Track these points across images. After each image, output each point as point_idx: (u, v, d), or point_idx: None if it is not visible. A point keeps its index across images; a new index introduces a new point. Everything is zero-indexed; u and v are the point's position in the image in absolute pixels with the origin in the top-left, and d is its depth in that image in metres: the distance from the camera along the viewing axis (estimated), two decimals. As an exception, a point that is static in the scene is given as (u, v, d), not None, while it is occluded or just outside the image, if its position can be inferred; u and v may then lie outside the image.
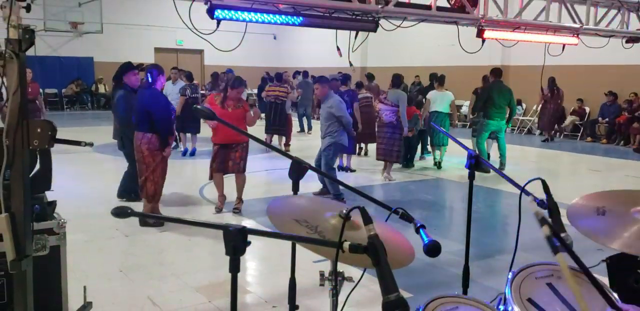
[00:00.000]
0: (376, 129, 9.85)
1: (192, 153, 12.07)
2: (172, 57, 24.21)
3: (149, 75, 6.61)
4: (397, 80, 9.76)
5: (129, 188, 7.68)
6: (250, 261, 5.60)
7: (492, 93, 10.49)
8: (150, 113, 6.40)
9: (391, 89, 9.69)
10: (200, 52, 25.21)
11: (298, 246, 2.45)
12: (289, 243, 2.58)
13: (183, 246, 6.01)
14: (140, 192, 6.74)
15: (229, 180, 7.43)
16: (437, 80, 11.42)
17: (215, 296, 4.61)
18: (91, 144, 3.56)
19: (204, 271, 5.21)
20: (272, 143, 12.93)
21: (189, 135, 12.17)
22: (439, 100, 11.04)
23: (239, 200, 7.36)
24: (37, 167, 3.64)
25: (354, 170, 10.47)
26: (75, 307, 3.87)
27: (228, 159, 7.04)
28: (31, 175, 3.33)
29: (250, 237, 1.66)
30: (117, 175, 9.02)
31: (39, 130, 3.08)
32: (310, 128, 16.55)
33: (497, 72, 10.88)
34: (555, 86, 15.88)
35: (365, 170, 10.72)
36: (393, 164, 9.97)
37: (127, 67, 7.44)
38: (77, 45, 22.59)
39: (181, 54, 24.98)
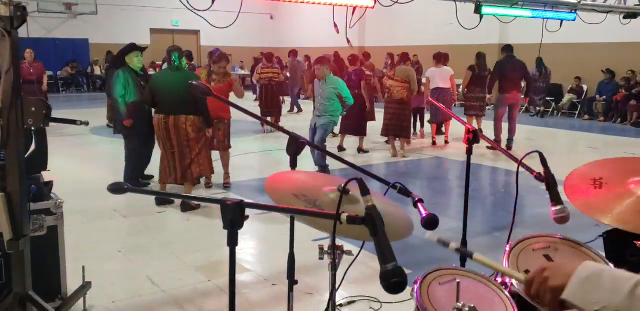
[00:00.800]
0: (385, 105, 9.90)
1: None
2: (168, 38, 24.02)
3: (173, 57, 6.44)
4: (405, 57, 10.02)
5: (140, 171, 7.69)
6: (249, 240, 5.61)
7: (505, 68, 10.60)
8: (195, 95, 6.12)
9: (400, 66, 9.84)
10: (196, 32, 25.02)
11: (297, 225, 2.45)
12: (287, 223, 2.58)
13: (182, 227, 6.02)
14: (182, 175, 6.42)
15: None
16: (435, 57, 11.40)
17: (215, 275, 4.63)
18: (87, 123, 3.55)
19: (203, 251, 5.22)
20: (266, 126, 12.89)
21: None
22: (439, 77, 11.08)
23: (227, 175, 7.52)
24: (33, 147, 3.63)
25: (367, 151, 10.42)
26: (74, 287, 3.88)
27: (212, 137, 7.02)
28: (27, 155, 3.33)
29: (250, 218, 1.65)
30: (115, 156, 9.02)
31: (33, 109, 3.06)
32: (300, 109, 16.50)
33: (507, 48, 11.02)
34: (543, 65, 16.05)
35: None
36: (407, 140, 10.10)
37: (131, 48, 7.26)
38: (71, 26, 22.37)
39: (177, 35, 24.79)
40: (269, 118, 12.75)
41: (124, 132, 7.34)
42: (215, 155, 7.30)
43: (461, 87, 12.26)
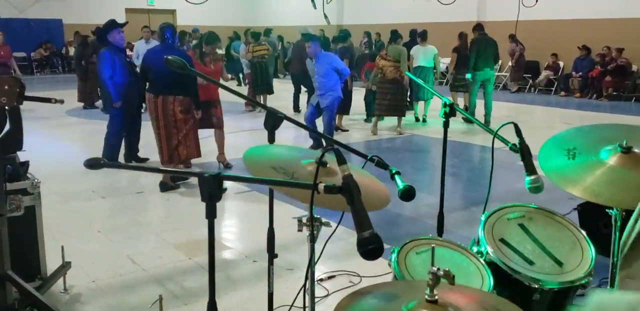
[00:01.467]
0: (378, 85, 9.97)
1: None
2: (143, 17, 23.66)
3: (167, 34, 6.27)
4: (395, 36, 10.07)
5: (132, 150, 7.60)
6: (229, 219, 5.62)
7: (479, 47, 10.89)
8: (184, 75, 5.86)
9: (391, 45, 9.92)
10: (172, 12, 24.71)
11: (278, 203, 2.46)
12: (267, 201, 2.59)
13: (161, 206, 6.02)
14: (168, 157, 6.27)
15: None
16: (420, 35, 11.58)
17: (195, 253, 4.64)
18: (62, 101, 3.51)
19: (183, 229, 5.22)
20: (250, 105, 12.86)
21: None
22: (422, 55, 11.23)
23: (223, 153, 7.49)
24: (7, 127, 3.58)
25: (347, 130, 10.47)
26: (54, 267, 3.87)
27: (210, 115, 7.04)
28: (1, 135, 3.29)
29: (228, 197, 1.66)
30: (90, 137, 8.94)
31: (6, 87, 3.02)
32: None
33: (479, 27, 11.36)
34: (517, 42, 16.47)
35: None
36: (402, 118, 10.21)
37: (112, 25, 7.08)
38: (44, 6, 21.91)
39: (153, 15, 24.44)
40: (261, 97, 12.73)
41: (113, 111, 7.26)
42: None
43: (447, 66, 12.42)
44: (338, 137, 9.81)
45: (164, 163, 6.33)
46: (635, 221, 1.57)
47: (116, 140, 7.37)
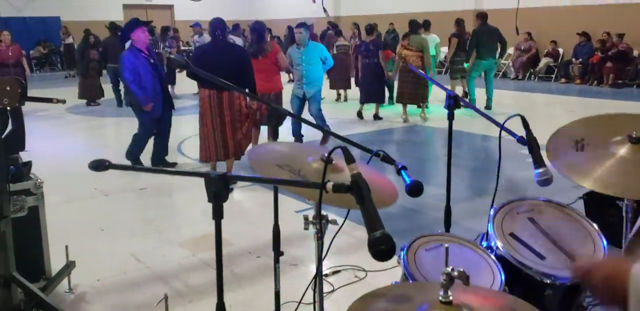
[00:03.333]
0: (399, 74, 10.33)
1: None
2: (141, 13, 23.55)
3: (217, 30, 6.22)
4: (414, 26, 10.36)
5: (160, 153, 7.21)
6: (232, 214, 5.59)
7: (481, 36, 11.18)
8: (245, 70, 6.15)
9: (411, 35, 10.20)
10: (170, 7, 24.61)
11: (281, 197, 2.44)
12: (271, 196, 2.56)
13: (164, 203, 5.99)
14: (234, 149, 6.29)
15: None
16: (423, 25, 11.73)
17: (199, 249, 4.62)
18: (63, 101, 3.48)
19: (187, 226, 5.20)
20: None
21: None
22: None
23: None
24: (10, 127, 3.55)
25: (381, 118, 10.66)
26: (58, 267, 3.86)
27: (256, 110, 6.94)
28: (4, 135, 3.26)
29: (230, 192, 1.64)
30: (92, 135, 8.92)
31: (8, 88, 2.99)
32: None
33: (482, 15, 11.61)
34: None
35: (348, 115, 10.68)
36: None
37: (136, 23, 6.72)
38: (42, 4, 21.80)
39: (150, 10, 24.34)
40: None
41: (142, 115, 6.88)
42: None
43: (445, 55, 12.70)
44: (374, 126, 9.84)
45: (229, 157, 6.32)
46: None
47: (145, 140, 7.07)
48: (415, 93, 10.17)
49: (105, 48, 12.72)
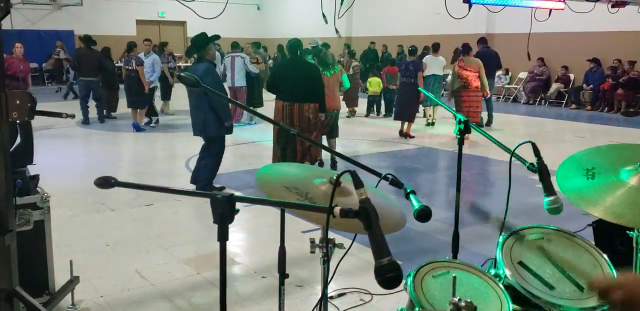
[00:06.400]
0: (462, 94, 10.87)
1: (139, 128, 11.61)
2: (154, 29, 23.79)
3: (297, 49, 7.02)
4: (466, 48, 11.13)
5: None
6: (238, 233, 5.58)
7: (481, 58, 11.55)
8: (316, 85, 6.90)
9: (466, 57, 10.97)
10: (183, 23, 24.80)
11: (287, 216, 2.43)
12: (277, 215, 2.55)
13: (170, 219, 5.97)
14: (301, 156, 6.96)
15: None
16: (432, 47, 12.64)
17: (204, 268, 4.59)
18: (73, 116, 3.48)
19: (192, 243, 5.18)
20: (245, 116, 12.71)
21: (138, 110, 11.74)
22: (434, 65, 12.21)
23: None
24: (18, 140, 3.57)
25: (413, 137, 11.03)
26: (62, 282, 3.84)
27: (335, 125, 8.22)
28: (12, 149, 3.27)
29: (238, 209, 1.62)
30: (101, 149, 8.94)
31: (18, 101, 2.98)
32: None
33: (482, 40, 12.61)
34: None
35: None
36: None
37: (210, 38, 6.60)
38: (56, 18, 22.05)
39: (163, 26, 24.55)
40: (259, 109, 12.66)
41: (220, 131, 6.61)
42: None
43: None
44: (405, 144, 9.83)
45: (295, 160, 6.86)
46: None
47: (217, 161, 6.79)
48: (476, 112, 10.89)
49: (79, 60, 12.27)
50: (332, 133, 8.26)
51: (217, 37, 6.68)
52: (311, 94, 6.85)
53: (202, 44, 6.52)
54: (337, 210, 1.49)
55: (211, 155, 6.73)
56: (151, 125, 12.07)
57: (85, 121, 12.12)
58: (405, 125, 10.99)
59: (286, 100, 6.85)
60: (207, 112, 6.38)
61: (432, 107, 12.36)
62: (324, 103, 7.04)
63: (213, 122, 6.45)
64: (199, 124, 6.55)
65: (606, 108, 15.23)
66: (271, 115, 7.87)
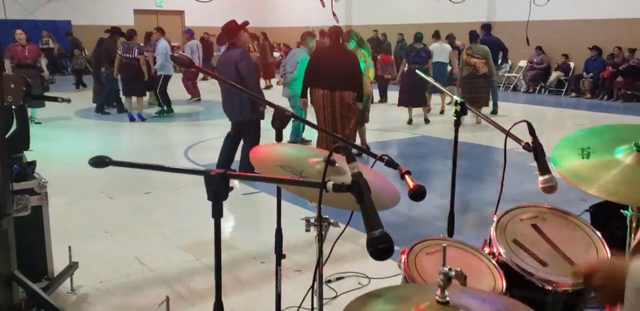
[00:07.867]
0: (471, 80, 11.09)
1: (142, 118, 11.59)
2: (152, 18, 23.69)
3: (338, 35, 6.98)
4: (474, 36, 11.26)
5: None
6: (236, 220, 5.59)
7: (485, 45, 11.52)
8: (355, 73, 6.86)
9: (472, 44, 11.10)
10: (181, 13, 24.73)
11: (287, 204, 2.43)
12: (274, 201, 2.55)
13: (169, 207, 5.98)
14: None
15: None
16: (433, 35, 12.78)
17: (202, 254, 4.60)
18: (69, 100, 3.49)
19: (191, 230, 5.19)
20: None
21: (134, 98, 11.63)
22: (440, 52, 12.26)
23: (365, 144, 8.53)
24: (14, 127, 3.56)
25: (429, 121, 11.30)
26: (61, 267, 3.85)
27: (367, 109, 8.34)
28: (8, 134, 3.27)
29: (236, 199, 1.63)
30: (100, 139, 8.93)
31: (12, 85, 2.99)
32: None
33: (486, 26, 12.56)
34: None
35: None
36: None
37: (238, 24, 6.68)
38: (53, 8, 21.93)
39: (161, 16, 24.46)
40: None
41: (256, 116, 6.64)
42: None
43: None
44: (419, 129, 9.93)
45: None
46: None
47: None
48: (479, 97, 11.02)
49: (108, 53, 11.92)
50: (363, 118, 8.34)
51: (246, 23, 6.81)
52: (351, 82, 6.84)
53: (233, 31, 6.64)
54: (329, 184, 1.49)
55: (249, 143, 6.62)
56: (164, 115, 12.04)
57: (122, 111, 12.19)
58: (414, 111, 11.13)
59: (327, 88, 6.81)
60: (243, 95, 6.31)
61: (440, 94, 12.59)
62: (362, 93, 7.10)
63: (248, 105, 6.47)
64: (234, 108, 6.57)
65: (606, 97, 15.21)
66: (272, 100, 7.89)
